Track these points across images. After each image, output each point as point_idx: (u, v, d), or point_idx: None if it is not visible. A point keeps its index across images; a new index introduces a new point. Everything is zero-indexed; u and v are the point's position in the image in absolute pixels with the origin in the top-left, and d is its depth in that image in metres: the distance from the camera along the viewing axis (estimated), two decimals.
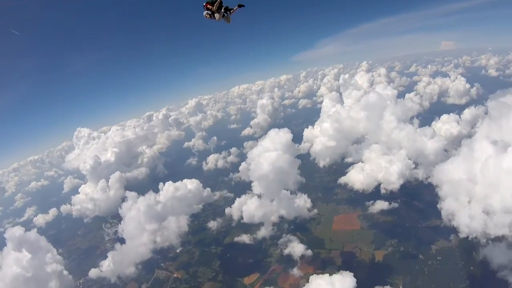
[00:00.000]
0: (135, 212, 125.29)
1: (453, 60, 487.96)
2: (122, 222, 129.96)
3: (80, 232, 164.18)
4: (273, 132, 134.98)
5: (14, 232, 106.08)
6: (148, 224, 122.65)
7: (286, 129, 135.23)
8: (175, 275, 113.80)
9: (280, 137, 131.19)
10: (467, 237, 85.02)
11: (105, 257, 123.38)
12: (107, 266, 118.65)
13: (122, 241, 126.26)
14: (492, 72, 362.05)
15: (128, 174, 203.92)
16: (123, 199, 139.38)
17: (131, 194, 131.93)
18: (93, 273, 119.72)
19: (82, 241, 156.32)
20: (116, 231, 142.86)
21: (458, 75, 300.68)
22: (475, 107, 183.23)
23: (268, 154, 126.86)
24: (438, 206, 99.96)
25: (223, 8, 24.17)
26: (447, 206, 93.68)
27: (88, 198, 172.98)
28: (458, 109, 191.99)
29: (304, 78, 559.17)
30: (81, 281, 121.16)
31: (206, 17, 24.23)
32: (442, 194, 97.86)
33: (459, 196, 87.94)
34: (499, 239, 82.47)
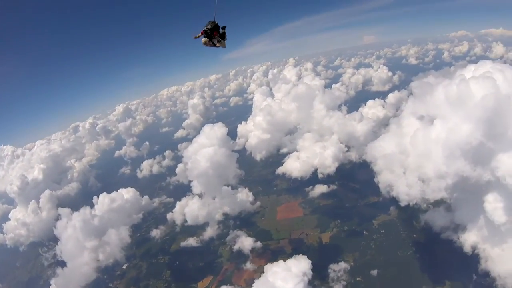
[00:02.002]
0: (71, 230, 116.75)
1: (375, 53, 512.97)
2: (59, 243, 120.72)
3: (18, 263, 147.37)
4: (207, 128, 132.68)
5: None
6: (87, 241, 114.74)
7: (220, 124, 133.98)
8: None
9: (215, 132, 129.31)
10: (408, 204, 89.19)
11: (49, 285, 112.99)
12: None
13: (62, 264, 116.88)
14: (412, 61, 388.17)
15: (59, 191, 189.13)
16: (57, 219, 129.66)
17: (64, 211, 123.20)
18: None
19: (21, 272, 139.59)
20: (55, 254, 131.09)
21: (380, 64, 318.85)
22: (398, 92, 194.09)
23: (205, 150, 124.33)
24: (375, 180, 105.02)
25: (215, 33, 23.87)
26: (384, 179, 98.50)
27: (20, 223, 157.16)
28: (382, 95, 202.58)
29: (233, 76, 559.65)
30: None
31: (207, 45, 23.89)
32: (378, 169, 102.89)
33: (394, 168, 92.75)
34: (438, 203, 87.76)
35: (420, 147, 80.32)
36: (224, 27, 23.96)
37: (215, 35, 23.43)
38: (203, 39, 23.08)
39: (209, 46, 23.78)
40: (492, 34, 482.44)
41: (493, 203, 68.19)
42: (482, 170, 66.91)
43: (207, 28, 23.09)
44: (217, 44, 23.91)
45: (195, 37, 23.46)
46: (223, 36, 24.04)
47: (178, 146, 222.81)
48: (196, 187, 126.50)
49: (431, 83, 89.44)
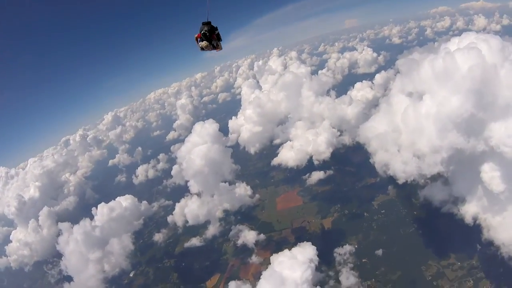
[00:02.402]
0: (74, 244, 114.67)
1: (358, 35, 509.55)
2: (63, 258, 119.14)
3: (25, 285, 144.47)
4: (198, 126, 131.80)
5: None
6: (90, 253, 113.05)
7: (211, 120, 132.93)
8: None
9: (206, 129, 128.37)
10: (406, 181, 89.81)
11: None
12: None
13: (69, 279, 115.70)
14: (396, 40, 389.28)
15: (57, 207, 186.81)
16: (59, 235, 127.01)
17: (64, 226, 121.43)
18: None
19: None
20: (60, 270, 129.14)
21: (364, 47, 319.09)
22: (385, 71, 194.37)
23: (198, 148, 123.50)
24: (371, 161, 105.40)
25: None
26: (379, 159, 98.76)
27: (22, 243, 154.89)
28: (369, 76, 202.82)
29: (219, 73, 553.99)
30: None
31: (207, 49, 22.78)
32: (372, 150, 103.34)
33: (388, 147, 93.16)
34: (435, 177, 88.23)
35: (412, 124, 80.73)
36: (216, 28, 22.96)
37: (213, 38, 22.62)
38: (203, 43, 21.98)
39: (209, 50, 22.81)
40: (473, 7, 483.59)
41: (489, 173, 68.84)
42: (475, 141, 67.43)
43: (205, 31, 22.06)
44: (216, 48, 23.24)
45: (201, 45, 22.23)
46: (218, 38, 23.25)
47: (171, 148, 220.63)
48: (194, 187, 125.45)
49: (417, 60, 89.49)
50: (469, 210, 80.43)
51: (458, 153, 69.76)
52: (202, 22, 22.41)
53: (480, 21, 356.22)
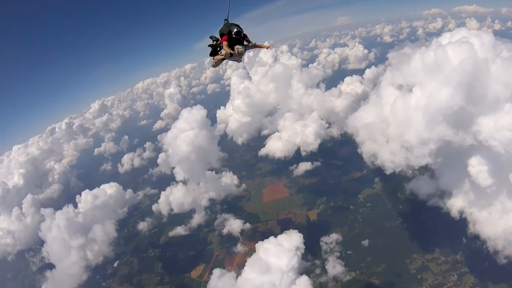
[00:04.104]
0: (56, 230, 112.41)
1: (349, 33, 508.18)
2: (45, 245, 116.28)
3: (9, 275, 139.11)
4: (185, 112, 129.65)
5: None
6: (73, 239, 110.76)
7: (198, 106, 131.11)
8: None
9: (193, 115, 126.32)
10: (394, 172, 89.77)
11: None
12: None
13: (51, 266, 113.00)
14: (387, 39, 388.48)
15: (41, 195, 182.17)
16: (42, 222, 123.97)
17: (46, 211, 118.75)
18: None
19: (13, 284, 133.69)
20: (42, 257, 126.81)
21: (356, 43, 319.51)
22: (375, 67, 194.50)
23: (185, 134, 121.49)
24: (359, 151, 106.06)
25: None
26: (367, 149, 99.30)
27: (5, 232, 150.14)
28: (359, 72, 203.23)
29: (208, 64, 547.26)
30: None
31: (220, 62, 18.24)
32: (360, 140, 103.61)
33: (376, 137, 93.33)
34: (423, 169, 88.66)
35: (401, 115, 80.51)
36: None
37: (246, 39, 17.77)
38: (239, 48, 16.76)
39: (221, 62, 18.07)
40: (466, 11, 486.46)
41: (477, 167, 69.17)
42: (464, 134, 67.82)
43: (238, 30, 17.01)
44: (237, 57, 17.44)
45: (234, 51, 16.90)
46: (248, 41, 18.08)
47: (158, 137, 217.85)
48: (179, 174, 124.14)
49: (408, 54, 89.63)
50: (455, 204, 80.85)
51: (446, 146, 69.92)
52: (225, 20, 17.96)
53: (472, 24, 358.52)
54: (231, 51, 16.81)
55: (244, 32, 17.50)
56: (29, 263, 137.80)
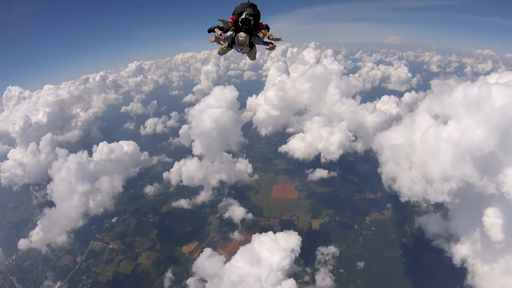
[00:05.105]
0: (66, 171, 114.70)
1: (397, 53, 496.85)
2: (51, 182, 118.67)
3: (10, 204, 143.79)
4: (218, 89, 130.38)
5: None
6: (79, 184, 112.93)
7: (232, 86, 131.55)
8: (111, 246, 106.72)
9: (225, 94, 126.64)
10: (409, 200, 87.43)
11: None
12: (36, 235, 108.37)
13: (52, 204, 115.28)
14: (434, 68, 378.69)
15: (60, 137, 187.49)
16: (54, 161, 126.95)
17: (61, 152, 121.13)
18: (22, 244, 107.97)
19: (13, 214, 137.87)
20: (46, 194, 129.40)
21: (401, 64, 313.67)
22: (416, 93, 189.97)
23: (212, 110, 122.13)
24: (379, 170, 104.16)
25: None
26: (387, 170, 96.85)
27: (18, 163, 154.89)
28: (398, 94, 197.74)
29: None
30: (13, 257, 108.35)
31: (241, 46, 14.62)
32: (383, 160, 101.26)
33: (400, 161, 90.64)
34: (438, 206, 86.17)
35: (430, 145, 78.15)
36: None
37: (260, 28, 14.85)
38: (241, 36, 14.10)
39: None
40: None
41: (492, 218, 66.58)
42: (488, 181, 64.94)
43: (247, 15, 14.07)
44: (241, 47, 14.63)
45: (219, 34, 14.70)
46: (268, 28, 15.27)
47: (185, 110, 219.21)
48: (197, 148, 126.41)
49: (451, 85, 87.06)
50: (460, 251, 78.81)
51: (467, 188, 67.32)
52: (243, 2, 14.73)
53: None
54: (221, 36, 14.64)
55: (261, 21, 14.79)
56: (31, 197, 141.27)
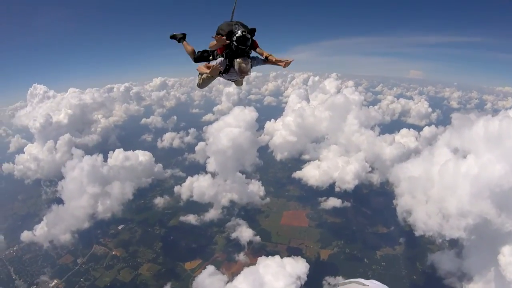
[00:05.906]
0: (79, 171, 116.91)
1: (418, 88, 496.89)
2: (63, 180, 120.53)
3: (20, 196, 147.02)
4: (237, 109, 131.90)
5: None
6: (90, 186, 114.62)
7: (252, 108, 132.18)
8: (113, 252, 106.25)
9: (245, 114, 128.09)
10: (423, 235, 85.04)
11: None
12: (40, 229, 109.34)
13: (60, 201, 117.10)
14: (454, 104, 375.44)
15: (78, 139, 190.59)
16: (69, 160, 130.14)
17: (77, 152, 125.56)
18: (25, 236, 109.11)
19: (21, 206, 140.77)
20: (56, 190, 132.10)
21: (422, 99, 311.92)
22: (436, 127, 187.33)
23: (230, 129, 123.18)
24: (394, 202, 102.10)
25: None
26: (403, 203, 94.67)
27: (33, 158, 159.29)
28: (417, 129, 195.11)
29: (273, 78, 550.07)
30: (15, 248, 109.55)
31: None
32: (399, 192, 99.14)
33: (417, 194, 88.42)
34: (453, 242, 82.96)
35: (448, 179, 76.44)
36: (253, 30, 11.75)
37: (255, 47, 12.08)
38: (240, 63, 11.45)
39: (210, 81, 13.37)
40: None
41: (508, 257, 64.13)
42: (506, 218, 62.85)
43: (243, 32, 11.33)
44: (237, 76, 12.28)
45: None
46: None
47: (204, 128, 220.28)
48: (211, 165, 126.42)
49: (472, 120, 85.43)
50: None
51: (484, 224, 65.01)
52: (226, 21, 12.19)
53: None
54: (219, 67, 11.68)
55: (255, 39, 11.94)
56: (41, 192, 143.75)
